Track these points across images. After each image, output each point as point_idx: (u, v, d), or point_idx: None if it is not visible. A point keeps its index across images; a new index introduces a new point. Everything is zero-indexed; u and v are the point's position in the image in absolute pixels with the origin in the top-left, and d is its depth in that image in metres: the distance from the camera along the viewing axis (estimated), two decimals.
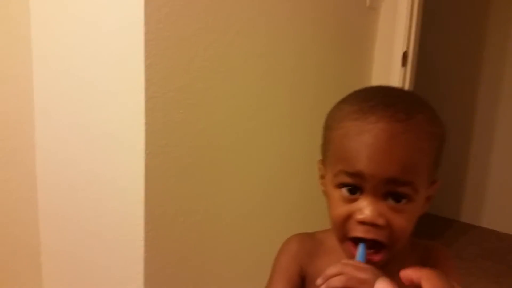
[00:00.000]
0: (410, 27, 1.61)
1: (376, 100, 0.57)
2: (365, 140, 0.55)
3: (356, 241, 0.56)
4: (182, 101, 0.96)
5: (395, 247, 0.57)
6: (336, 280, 0.52)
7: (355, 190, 0.56)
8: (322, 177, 0.65)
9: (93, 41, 0.95)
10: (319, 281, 0.54)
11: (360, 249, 0.55)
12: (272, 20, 1.15)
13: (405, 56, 1.61)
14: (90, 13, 0.95)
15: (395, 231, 0.55)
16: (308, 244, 0.69)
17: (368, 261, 0.56)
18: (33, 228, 1.16)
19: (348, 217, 0.56)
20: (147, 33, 0.87)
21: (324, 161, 0.64)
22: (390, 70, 1.61)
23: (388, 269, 0.62)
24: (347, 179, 0.56)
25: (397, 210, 0.55)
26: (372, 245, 0.56)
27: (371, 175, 0.54)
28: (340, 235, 0.59)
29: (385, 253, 0.56)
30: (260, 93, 1.16)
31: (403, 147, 0.55)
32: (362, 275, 0.52)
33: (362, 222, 0.55)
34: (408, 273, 0.46)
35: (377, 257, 0.56)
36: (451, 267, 0.66)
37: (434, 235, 2.47)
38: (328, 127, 0.62)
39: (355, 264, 0.54)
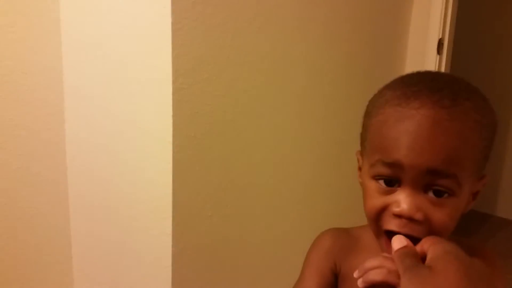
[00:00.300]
0: (445, 14, 1.54)
1: (421, 85, 0.53)
2: (405, 127, 0.51)
3: (391, 235, 0.52)
4: (210, 93, 0.94)
5: None
6: (375, 273, 0.49)
7: (393, 182, 0.53)
8: (360, 168, 0.61)
9: (121, 32, 0.94)
10: (356, 273, 0.51)
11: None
12: (301, 6, 1.12)
13: (440, 43, 1.54)
14: (118, 2, 0.93)
15: (435, 227, 0.51)
16: (343, 239, 0.66)
17: None
18: (63, 220, 1.17)
19: (384, 209, 0.53)
20: (174, 23, 0.85)
21: (362, 152, 0.61)
22: (425, 58, 1.55)
23: None
24: (385, 170, 0.53)
25: (438, 204, 0.51)
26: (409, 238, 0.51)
27: (410, 165, 0.50)
28: (375, 229, 0.55)
29: None
30: (290, 83, 1.13)
31: (447, 136, 0.50)
32: None
33: (398, 216, 0.51)
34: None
35: None
36: (498, 270, 0.60)
37: (470, 231, 2.39)
38: (368, 114, 0.59)
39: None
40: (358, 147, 0.62)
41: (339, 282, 0.64)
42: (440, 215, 0.51)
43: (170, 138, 0.87)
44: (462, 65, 2.03)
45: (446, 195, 0.51)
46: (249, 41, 1.00)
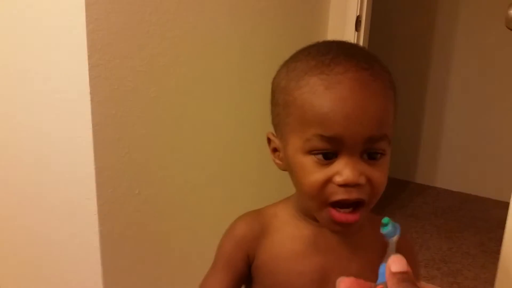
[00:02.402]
0: None
1: (333, 53, 0.54)
2: (338, 94, 0.51)
3: (336, 205, 0.53)
4: (131, 68, 0.92)
5: (371, 205, 0.55)
6: None
7: (330, 154, 0.52)
8: (275, 150, 0.60)
9: (30, 6, 0.89)
10: None
11: (381, 270, 0.43)
12: None
13: (358, 20, 1.61)
14: None
15: (375, 187, 0.53)
16: (255, 226, 0.64)
17: (343, 223, 0.53)
18: None
19: (326, 181, 0.52)
20: None
21: (279, 130, 0.59)
22: (344, 35, 1.61)
23: (351, 241, 0.61)
24: (323, 144, 0.52)
25: (374, 165, 0.53)
26: (348, 205, 0.53)
27: (350, 137, 0.51)
28: (317, 203, 0.54)
29: (362, 212, 0.54)
30: (211, 59, 1.13)
31: (376, 97, 0.52)
32: None
33: (344, 185, 0.52)
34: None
35: (353, 217, 0.53)
36: (414, 254, 0.63)
37: (390, 197, 2.56)
38: (284, 90, 0.57)
39: None
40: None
41: (253, 269, 0.63)
42: (378, 174, 0.53)
43: (89, 116, 0.85)
44: (379, 41, 2.13)
45: (379, 155, 0.54)
46: (169, 17, 0.98)
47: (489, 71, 2.54)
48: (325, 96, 0.52)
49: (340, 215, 0.53)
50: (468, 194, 2.69)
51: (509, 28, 0.96)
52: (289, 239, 0.62)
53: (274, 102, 0.60)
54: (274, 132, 0.61)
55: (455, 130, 2.74)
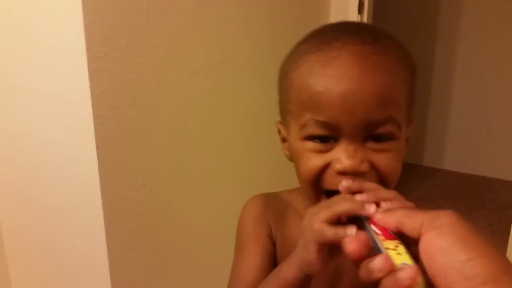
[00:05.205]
0: None
1: (337, 30, 0.50)
2: (334, 71, 0.46)
3: (331, 195, 0.47)
4: (130, 60, 0.92)
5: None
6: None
7: (328, 138, 0.48)
8: (284, 140, 0.57)
9: (26, 0, 0.88)
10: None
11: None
12: None
13: (361, 3, 1.59)
14: None
15: (383, 173, 0.48)
16: (274, 204, 0.60)
17: None
18: None
19: (324, 168, 0.48)
20: None
21: (284, 118, 0.55)
22: (347, 18, 1.59)
23: None
24: (318, 130, 0.48)
25: (380, 150, 0.48)
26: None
27: (347, 122, 0.46)
28: (314, 192, 0.50)
29: None
30: (212, 48, 1.12)
31: (377, 70, 0.46)
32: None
33: (342, 173, 0.47)
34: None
35: None
36: None
37: (398, 181, 2.55)
38: (285, 74, 0.53)
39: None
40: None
41: (276, 249, 0.58)
42: (385, 160, 0.48)
43: (90, 110, 0.85)
44: (382, 24, 2.11)
45: (385, 139, 0.48)
46: (167, 6, 0.97)
47: (495, 51, 2.50)
48: (321, 74, 0.47)
49: None
50: (476, 175, 2.68)
51: None
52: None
53: (279, 90, 0.56)
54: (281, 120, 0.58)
55: (461, 112, 2.71)
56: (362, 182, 0.45)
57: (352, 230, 0.40)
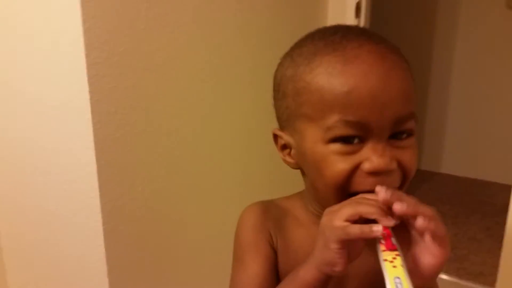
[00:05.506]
0: None
1: (342, 32, 0.50)
2: (360, 69, 0.46)
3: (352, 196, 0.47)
4: (129, 66, 0.92)
5: (404, 189, 0.50)
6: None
7: (352, 139, 0.47)
8: (284, 147, 0.56)
9: (27, 7, 0.88)
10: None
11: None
12: None
13: (358, 7, 1.60)
14: None
15: (407, 170, 0.49)
16: (272, 211, 0.59)
17: None
18: None
19: (353, 170, 0.48)
20: None
21: (290, 124, 0.53)
22: (345, 21, 1.60)
23: None
24: (348, 131, 0.47)
25: (402, 147, 0.49)
26: None
27: (378, 120, 0.46)
28: (339, 196, 0.49)
29: None
30: (210, 53, 1.12)
31: (397, 69, 0.48)
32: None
33: (374, 173, 0.47)
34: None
35: None
36: None
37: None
38: (292, 78, 0.51)
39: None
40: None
41: (278, 258, 0.57)
42: (408, 156, 0.49)
43: (89, 115, 0.85)
44: (380, 27, 2.11)
45: (406, 135, 0.49)
46: (166, 12, 0.98)
47: (493, 55, 2.51)
48: (345, 73, 0.46)
49: None
50: (473, 179, 2.68)
51: (508, 8, 0.94)
52: (305, 241, 0.56)
53: (280, 96, 0.54)
54: (280, 128, 0.57)
55: (458, 117, 2.72)
56: (401, 194, 0.45)
57: (378, 227, 0.41)
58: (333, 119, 0.47)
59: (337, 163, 0.47)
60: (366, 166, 0.47)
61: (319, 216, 0.50)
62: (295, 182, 0.63)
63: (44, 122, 0.94)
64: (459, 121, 2.73)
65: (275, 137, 0.57)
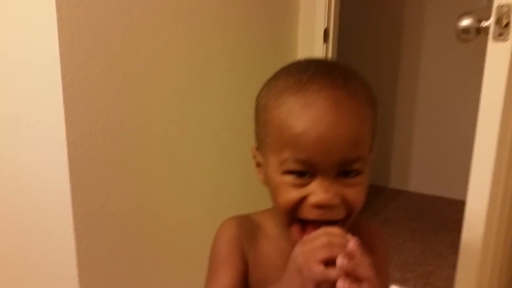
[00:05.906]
0: (329, 4, 1.66)
1: (311, 70, 0.55)
2: (312, 115, 0.52)
3: (305, 222, 0.55)
4: (104, 88, 0.94)
5: (349, 221, 0.56)
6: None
7: (304, 173, 0.54)
8: (259, 164, 0.62)
9: (3, 30, 0.90)
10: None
11: None
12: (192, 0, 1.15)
13: (326, 33, 1.67)
14: None
15: (351, 206, 0.55)
16: (246, 226, 0.65)
17: None
18: None
19: (300, 201, 0.54)
20: (60, 19, 0.83)
21: (261, 147, 0.60)
22: (313, 47, 1.66)
23: None
24: (297, 166, 0.53)
25: (349, 185, 0.54)
26: (325, 222, 0.54)
27: (323, 160, 0.52)
28: (288, 219, 0.56)
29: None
30: (186, 75, 1.16)
31: (350, 117, 0.52)
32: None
33: (317, 206, 0.53)
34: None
35: None
36: (381, 245, 0.66)
37: (366, 203, 2.61)
38: (264, 108, 0.58)
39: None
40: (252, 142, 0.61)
41: (248, 269, 0.63)
42: (353, 194, 0.54)
43: (63, 136, 0.86)
44: (346, 52, 2.20)
45: (354, 174, 0.54)
46: (141, 35, 1.01)
47: (458, 76, 2.64)
48: (300, 117, 0.52)
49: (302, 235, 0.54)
50: (440, 197, 2.77)
51: (459, 41, 1.00)
52: (273, 254, 0.62)
53: (256, 120, 0.61)
54: (256, 147, 0.62)
55: (425, 136, 2.83)
56: (356, 265, 0.48)
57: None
58: (286, 155, 0.53)
59: (288, 193, 0.54)
60: (311, 199, 0.53)
61: (286, 231, 0.57)
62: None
63: (18, 143, 0.95)
64: (426, 141, 2.83)
65: (254, 155, 0.63)
